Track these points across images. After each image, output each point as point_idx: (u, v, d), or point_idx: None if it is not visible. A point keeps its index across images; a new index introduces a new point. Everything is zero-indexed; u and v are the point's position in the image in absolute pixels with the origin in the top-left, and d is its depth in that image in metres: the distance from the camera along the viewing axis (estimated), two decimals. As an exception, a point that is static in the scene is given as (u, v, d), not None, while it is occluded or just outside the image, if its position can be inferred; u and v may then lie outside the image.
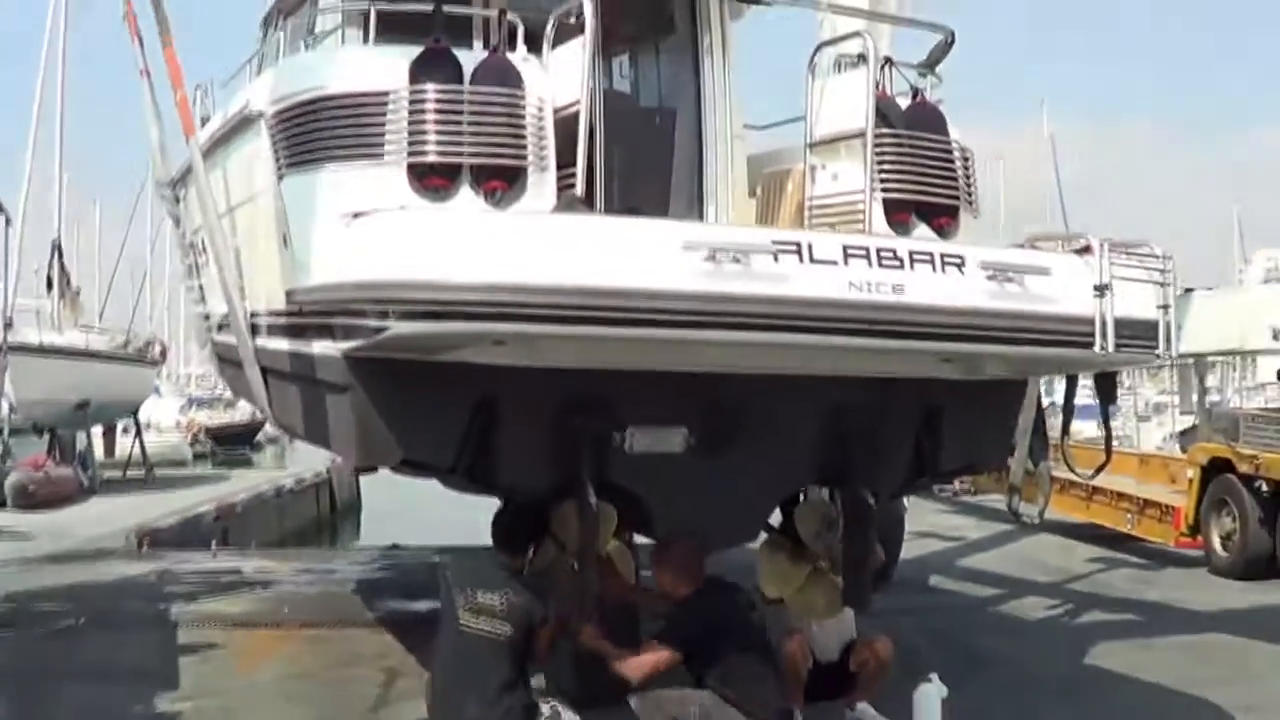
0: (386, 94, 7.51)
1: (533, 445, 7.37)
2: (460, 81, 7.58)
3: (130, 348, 28.17)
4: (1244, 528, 14.49)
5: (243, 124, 8.80)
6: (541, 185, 7.57)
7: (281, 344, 8.56)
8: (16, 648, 11.35)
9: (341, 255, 6.76)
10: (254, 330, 9.42)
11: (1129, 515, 16.67)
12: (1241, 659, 11.15)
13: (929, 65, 8.82)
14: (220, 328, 12.13)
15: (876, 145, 8.07)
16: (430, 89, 7.45)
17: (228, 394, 63.08)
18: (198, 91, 12.85)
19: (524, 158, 7.53)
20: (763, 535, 8.70)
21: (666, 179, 9.78)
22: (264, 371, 9.39)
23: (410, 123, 7.44)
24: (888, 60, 8.74)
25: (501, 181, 7.50)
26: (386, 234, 6.38)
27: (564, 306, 5.99)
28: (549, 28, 8.04)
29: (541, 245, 6.09)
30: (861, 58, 8.67)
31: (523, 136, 7.55)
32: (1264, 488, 14.24)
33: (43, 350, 24.25)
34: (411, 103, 7.46)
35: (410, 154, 7.41)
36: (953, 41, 8.71)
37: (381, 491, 35.15)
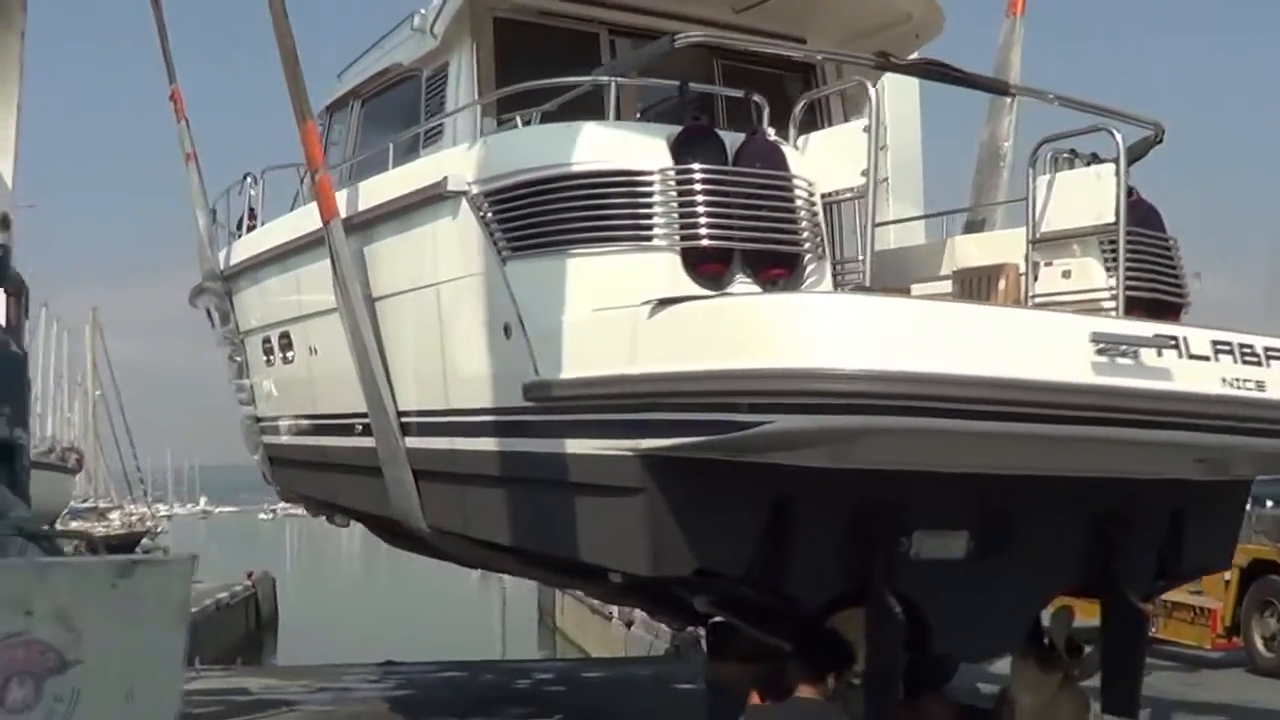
0: (649, 173, 7.06)
1: (825, 550, 6.87)
2: (725, 162, 7.18)
3: (53, 455, 26.52)
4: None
5: (428, 203, 8.18)
6: (821, 273, 7.19)
7: (482, 443, 7.92)
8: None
9: (673, 342, 6.25)
10: (404, 429, 8.82)
11: (1155, 618, 16.67)
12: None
13: (1135, 158, 8.68)
14: (284, 430, 11.38)
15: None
16: (704, 169, 7.03)
17: (102, 504, 60.84)
18: (248, 180, 12.22)
19: (802, 243, 7.15)
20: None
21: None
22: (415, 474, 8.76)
23: (681, 204, 6.99)
24: (1093, 156, 8.58)
25: (783, 269, 7.10)
26: (775, 322, 5.91)
27: (974, 401, 5.58)
28: (798, 111, 7.73)
29: (964, 336, 5.68)
30: (1075, 153, 8.53)
31: (799, 221, 7.17)
32: (1316, 588, 14.38)
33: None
34: (681, 183, 7.02)
35: (684, 238, 6.95)
36: (1160, 139, 8.60)
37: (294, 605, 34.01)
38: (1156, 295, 8.11)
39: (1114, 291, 7.82)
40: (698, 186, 6.99)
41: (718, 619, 9.08)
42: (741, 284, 7.01)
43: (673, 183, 7.00)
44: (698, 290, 6.87)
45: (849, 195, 7.43)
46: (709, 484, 6.55)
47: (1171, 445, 6.12)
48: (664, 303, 6.42)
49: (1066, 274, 8.25)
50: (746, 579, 6.81)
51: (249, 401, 12.06)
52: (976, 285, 8.91)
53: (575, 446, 6.99)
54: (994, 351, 5.70)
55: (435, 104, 9.37)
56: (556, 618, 30.89)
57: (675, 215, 6.96)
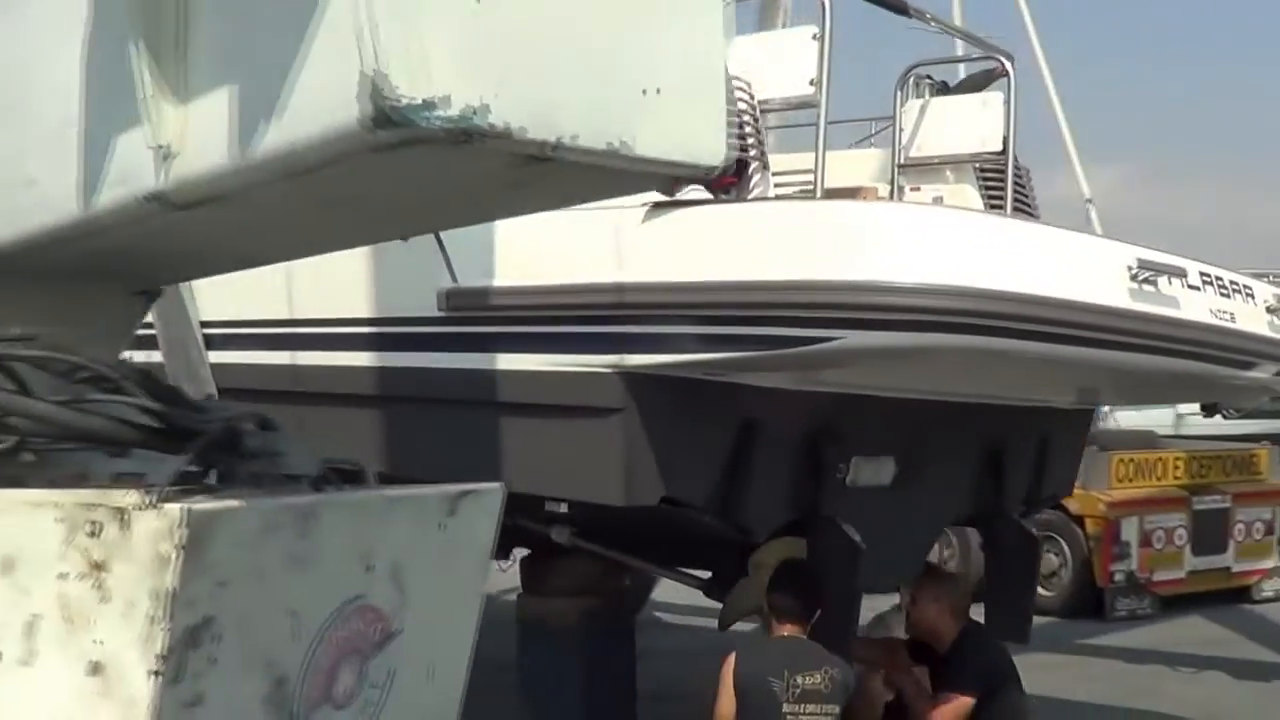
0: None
1: (780, 477, 6.48)
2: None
3: None
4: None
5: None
6: (765, 183, 6.74)
7: (353, 358, 6.94)
8: None
9: (692, 250, 5.64)
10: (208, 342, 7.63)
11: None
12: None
13: (975, 89, 8.73)
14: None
15: (995, 172, 7.89)
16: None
17: None
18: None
19: (749, 149, 6.65)
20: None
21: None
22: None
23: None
24: (944, 84, 8.60)
25: (733, 176, 6.56)
26: (870, 229, 5.44)
27: (1053, 323, 5.36)
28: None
29: (1044, 254, 5.45)
30: (931, 78, 8.50)
31: (744, 126, 6.66)
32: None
33: None
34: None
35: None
36: (1004, 73, 8.67)
37: None
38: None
39: (991, 219, 7.83)
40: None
41: (530, 553, 8.50)
42: (693, 190, 6.43)
43: None
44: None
45: (779, 105, 7.03)
46: (686, 406, 6.03)
47: (1186, 375, 6.17)
48: (662, 205, 5.77)
49: (938, 199, 8.19)
50: (709, 510, 6.31)
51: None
52: (831, 208, 8.72)
53: (523, 363, 6.21)
54: (1065, 273, 5.52)
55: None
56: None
57: None
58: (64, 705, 2.23)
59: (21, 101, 2.46)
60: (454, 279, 6.37)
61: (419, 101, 1.74)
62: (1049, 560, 14.12)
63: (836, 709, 6.03)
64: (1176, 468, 14.23)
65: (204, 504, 2.18)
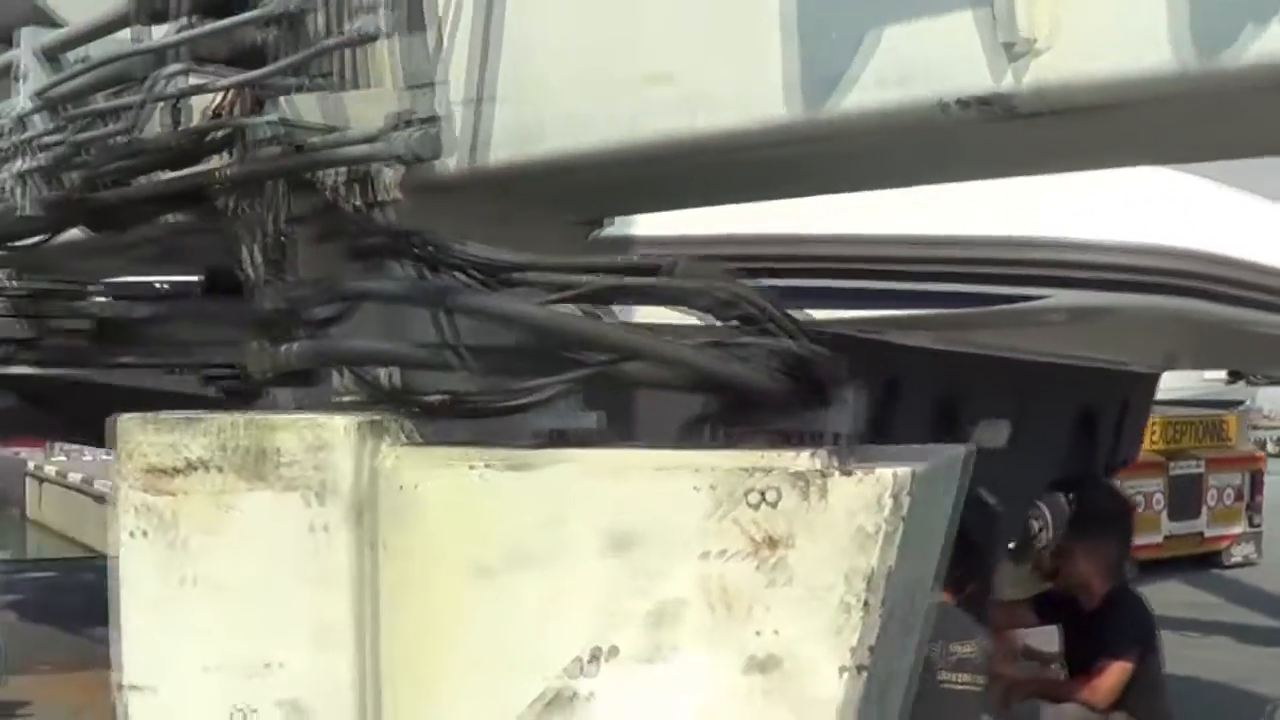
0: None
1: (917, 439, 6.25)
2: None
3: None
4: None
5: None
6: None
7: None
8: None
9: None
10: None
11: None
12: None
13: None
14: None
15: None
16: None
17: None
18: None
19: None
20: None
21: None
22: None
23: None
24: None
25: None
26: None
27: (1254, 286, 5.20)
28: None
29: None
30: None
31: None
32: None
33: None
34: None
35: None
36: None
37: None
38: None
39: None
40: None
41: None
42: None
43: None
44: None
45: None
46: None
47: None
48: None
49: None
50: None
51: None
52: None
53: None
54: (1258, 236, 5.37)
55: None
56: (30, 509, 27.33)
57: None
58: (710, 707, 1.88)
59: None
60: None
61: None
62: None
63: (984, 679, 5.85)
64: (1153, 433, 14.30)
65: (910, 468, 1.84)
